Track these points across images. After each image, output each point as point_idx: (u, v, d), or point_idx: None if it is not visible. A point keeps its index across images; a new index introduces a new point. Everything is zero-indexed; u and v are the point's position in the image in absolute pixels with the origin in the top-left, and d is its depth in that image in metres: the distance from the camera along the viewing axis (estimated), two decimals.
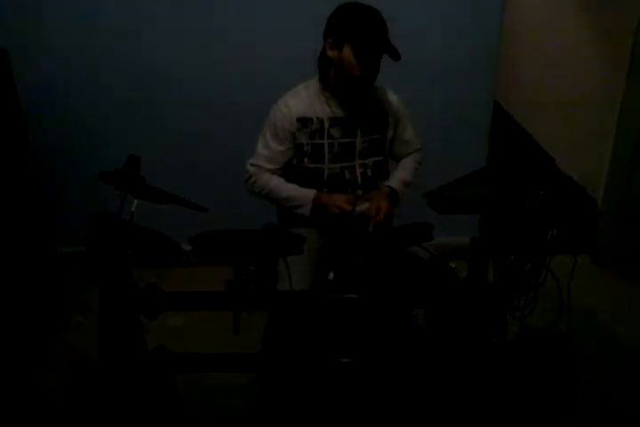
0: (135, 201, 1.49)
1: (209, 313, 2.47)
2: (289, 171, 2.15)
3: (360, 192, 2.12)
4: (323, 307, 1.72)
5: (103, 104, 2.84)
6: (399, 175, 2.23)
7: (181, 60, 2.75)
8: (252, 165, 2.10)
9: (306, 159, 2.10)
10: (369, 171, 2.15)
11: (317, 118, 2.05)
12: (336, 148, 2.08)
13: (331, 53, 1.95)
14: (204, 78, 2.79)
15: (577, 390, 1.94)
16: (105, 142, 2.89)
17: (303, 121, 2.04)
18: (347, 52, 1.89)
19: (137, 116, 2.86)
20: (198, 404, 2.12)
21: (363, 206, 2.11)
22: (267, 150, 2.08)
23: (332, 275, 2.00)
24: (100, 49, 2.71)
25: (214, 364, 1.72)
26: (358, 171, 2.13)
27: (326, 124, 2.05)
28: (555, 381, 2.06)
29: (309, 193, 2.08)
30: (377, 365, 1.71)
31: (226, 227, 1.69)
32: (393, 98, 2.16)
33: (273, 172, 2.11)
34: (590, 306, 2.67)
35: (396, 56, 1.88)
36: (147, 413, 1.67)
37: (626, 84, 2.86)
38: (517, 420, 1.84)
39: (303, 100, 2.05)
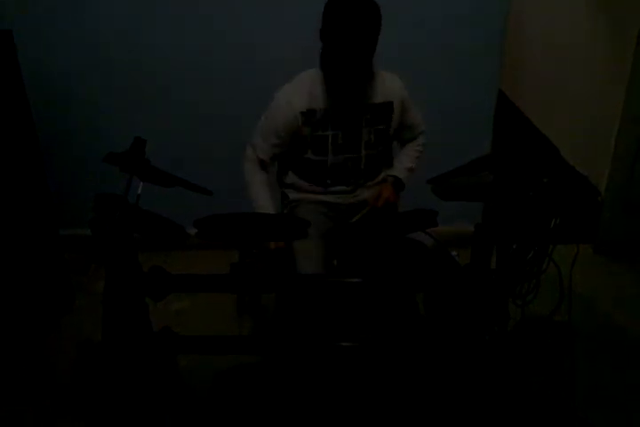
0: (141, 184, 1.49)
1: (213, 298, 2.51)
2: (291, 162, 2.15)
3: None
4: (325, 291, 1.73)
5: (106, 87, 2.82)
6: (403, 163, 2.23)
7: (182, 44, 2.73)
8: (250, 144, 2.09)
9: (309, 151, 2.07)
10: (372, 160, 2.14)
11: (320, 109, 1.99)
12: (340, 139, 2.04)
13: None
14: (204, 63, 2.77)
15: (575, 377, 1.96)
16: (108, 124, 2.88)
17: (307, 114, 1.98)
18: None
19: (140, 99, 2.84)
20: (201, 386, 2.14)
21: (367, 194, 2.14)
22: (263, 142, 2.06)
23: (335, 261, 2.02)
24: (103, 34, 2.70)
25: (219, 346, 1.74)
26: (362, 161, 2.11)
27: (330, 115, 2.00)
28: (554, 368, 2.08)
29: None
30: (377, 349, 1.73)
31: (231, 210, 1.69)
32: (396, 85, 2.09)
33: (264, 162, 2.09)
34: (591, 295, 2.68)
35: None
36: (149, 394, 1.68)
37: (630, 72, 2.84)
38: (516, 407, 1.85)
39: (304, 91, 1.98)
